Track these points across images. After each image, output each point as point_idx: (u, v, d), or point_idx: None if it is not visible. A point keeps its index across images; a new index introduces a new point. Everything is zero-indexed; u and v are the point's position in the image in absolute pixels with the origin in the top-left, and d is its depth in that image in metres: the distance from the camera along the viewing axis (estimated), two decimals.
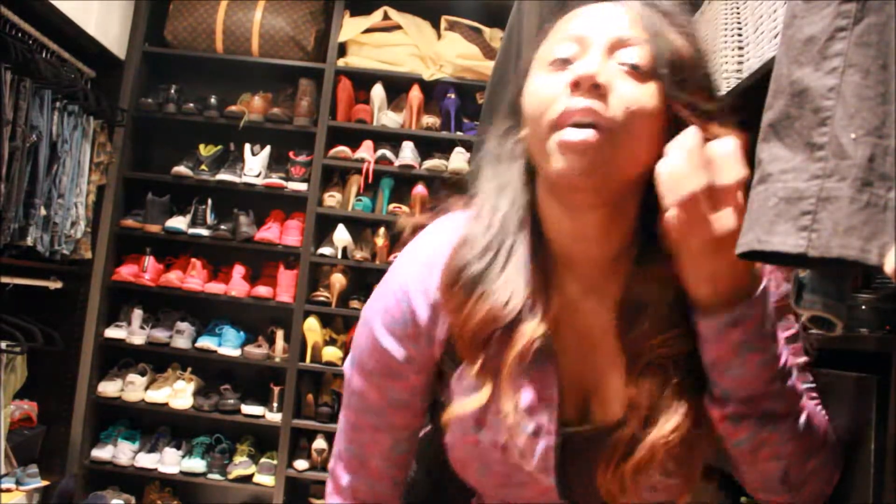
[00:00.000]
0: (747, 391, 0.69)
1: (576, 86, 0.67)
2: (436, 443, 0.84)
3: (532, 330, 0.72)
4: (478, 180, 0.80)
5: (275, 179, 3.16)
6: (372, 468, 0.85)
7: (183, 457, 3.06)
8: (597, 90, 0.66)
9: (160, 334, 3.12)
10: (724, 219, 0.66)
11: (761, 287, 0.69)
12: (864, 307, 1.00)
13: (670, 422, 0.70)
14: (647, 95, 0.68)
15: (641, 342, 0.72)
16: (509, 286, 0.73)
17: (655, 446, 0.70)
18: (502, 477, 0.76)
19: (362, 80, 3.26)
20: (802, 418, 0.71)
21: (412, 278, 0.79)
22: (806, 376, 0.78)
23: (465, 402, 0.74)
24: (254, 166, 3.17)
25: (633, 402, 0.72)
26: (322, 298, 3.11)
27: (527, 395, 0.74)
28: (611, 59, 0.69)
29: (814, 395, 0.77)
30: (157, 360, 3.22)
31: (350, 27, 3.23)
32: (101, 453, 3.04)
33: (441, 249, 0.77)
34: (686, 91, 0.69)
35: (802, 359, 0.78)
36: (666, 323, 0.71)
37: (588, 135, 0.66)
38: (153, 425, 3.20)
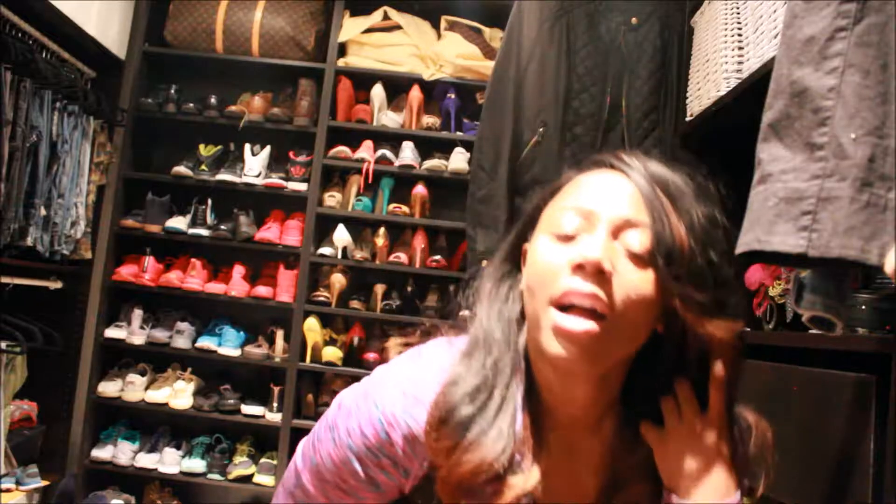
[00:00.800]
0: None
1: (580, 268, 0.68)
2: None
3: (523, 483, 0.71)
4: (473, 313, 0.80)
5: (275, 179, 3.16)
6: None
7: (183, 457, 3.06)
8: (600, 275, 0.68)
9: (160, 334, 3.12)
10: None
11: (736, 495, 0.72)
12: (864, 307, 1.00)
13: None
14: (646, 283, 0.69)
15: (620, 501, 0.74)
16: (502, 436, 0.71)
17: None
18: None
19: (362, 80, 3.26)
20: None
21: (397, 408, 0.75)
22: None
23: None
24: (254, 166, 3.17)
25: None
26: (322, 298, 3.11)
27: None
28: (615, 241, 0.70)
29: None
30: (157, 360, 3.22)
31: (350, 27, 3.23)
32: (101, 453, 3.04)
33: (430, 384, 0.76)
34: (681, 283, 0.69)
35: None
36: (643, 480, 0.74)
37: (589, 326, 0.67)
38: (153, 425, 3.20)
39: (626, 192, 0.72)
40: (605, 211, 0.71)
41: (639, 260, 0.69)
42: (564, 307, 0.69)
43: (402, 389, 0.76)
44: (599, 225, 0.71)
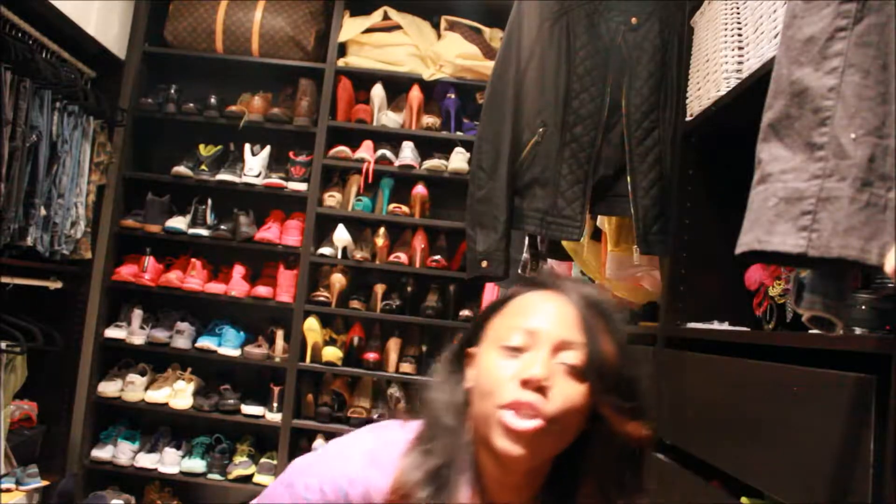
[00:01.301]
0: None
1: (526, 383, 0.80)
2: None
3: None
4: (426, 405, 0.90)
5: (275, 179, 3.17)
6: None
7: (183, 457, 3.06)
8: (541, 389, 0.80)
9: (160, 334, 3.12)
10: None
11: None
12: (864, 307, 1.00)
13: None
14: (580, 394, 0.82)
15: None
16: None
17: None
18: None
19: (362, 80, 3.26)
20: None
21: (357, 469, 0.84)
22: None
23: None
24: (254, 166, 3.17)
25: None
26: (322, 298, 3.11)
27: None
28: (554, 358, 0.83)
29: None
30: (157, 360, 3.22)
31: (350, 27, 3.23)
32: (101, 453, 3.04)
33: (388, 453, 0.85)
34: (609, 393, 0.83)
35: None
36: None
37: (532, 425, 0.80)
38: (153, 425, 3.20)
39: (565, 314, 0.85)
40: (547, 331, 0.84)
41: (575, 374, 0.82)
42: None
43: (361, 454, 0.86)
44: (542, 344, 0.83)
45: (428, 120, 3.18)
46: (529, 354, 0.83)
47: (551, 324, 0.84)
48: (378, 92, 3.20)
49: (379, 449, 0.86)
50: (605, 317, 0.86)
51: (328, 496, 0.83)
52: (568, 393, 0.81)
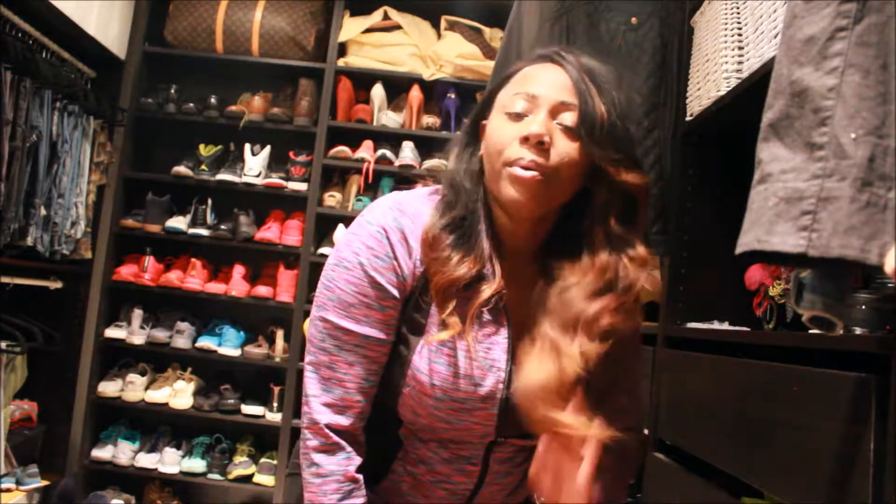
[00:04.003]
0: None
1: (526, 140, 0.94)
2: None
3: (492, 288, 0.97)
4: (446, 173, 1.05)
5: (275, 179, 3.17)
6: (348, 402, 0.98)
7: (183, 457, 3.06)
8: (541, 146, 0.93)
9: (160, 334, 3.12)
10: None
11: None
12: (864, 307, 1.00)
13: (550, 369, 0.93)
14: (575, 150, 0.95)
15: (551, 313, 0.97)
16: (478, 256, 0.97)
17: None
18: (456, 403, 0.97)
19: (362, 80, 3.26)
20: None
21: (388, 218, 0.98)
22: None
23: (438, 334, 0.97)
24: (254, 166, 3.17)
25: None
26: None
27: (486, 338, 0.98)
28: (552, 119, 0.95)
29: None
30: (157, 360, 3.22)
31: (350, 27, 3.23)
32: (101, 453, 3.04)
33: (413, 201, 1.00)
34: (601, 147, 0.95)
35: None
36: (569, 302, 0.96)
37: (532, 174, 0.93)
38: (153, 425, 3.20)
39: (561, 81, 0.97)
40: (544, 96, 0.96)
41: (570, 133, 0.95)
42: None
43: (388, 206, 0.99)
44: (540, 107, 0.95)
45: (428, 120, 3.18)
46: (530, 117, 0.95)
47: (548, 89, 0.96)
48: (378, 92, 3.20)
49: (403, 199, 1.01)
50: (600, 82, 0.97)
51: (374, 249, 0.96)
52: (564, 148, 0.94)
